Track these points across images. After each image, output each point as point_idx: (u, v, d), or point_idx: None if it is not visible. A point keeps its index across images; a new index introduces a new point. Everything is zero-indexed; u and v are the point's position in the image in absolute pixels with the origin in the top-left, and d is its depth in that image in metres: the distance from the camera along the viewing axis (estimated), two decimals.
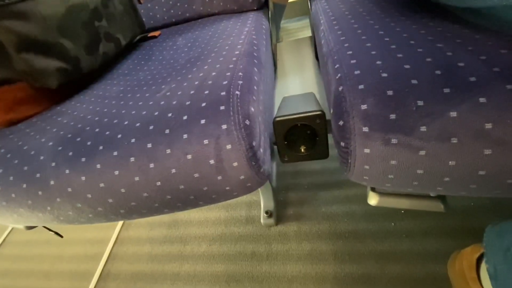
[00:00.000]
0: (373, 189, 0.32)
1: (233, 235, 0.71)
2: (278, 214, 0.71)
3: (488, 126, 0.19)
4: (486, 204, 0.59)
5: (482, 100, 0.19)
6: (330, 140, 0.30)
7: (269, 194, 0.71)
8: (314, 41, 0.51)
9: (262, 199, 0.71)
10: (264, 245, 0.67)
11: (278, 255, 0.64)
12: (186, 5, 0.64)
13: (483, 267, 0.45)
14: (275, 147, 0.34)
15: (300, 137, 0.32)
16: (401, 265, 0.56)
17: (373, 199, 0.31)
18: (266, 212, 0.69)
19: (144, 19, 0.63)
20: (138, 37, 0.63)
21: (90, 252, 0.80)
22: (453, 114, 0.20)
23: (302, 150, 0.32)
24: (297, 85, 0.46)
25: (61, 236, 0.56)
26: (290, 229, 0.68)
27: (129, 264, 0.74)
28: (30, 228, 0.45)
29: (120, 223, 0.85)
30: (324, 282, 0.58)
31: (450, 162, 0.21)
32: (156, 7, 0.66)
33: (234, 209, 0.77)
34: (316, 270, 0.60)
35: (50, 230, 0.52)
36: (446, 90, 0.20)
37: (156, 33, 0.63)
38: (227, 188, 0.28)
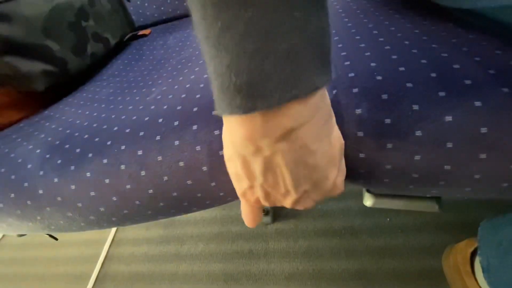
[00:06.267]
0: (368, 190, 0.31)
1: (230, 234, 0.71)
2: (275, 212, 0.71)
3: (484, 130, 0.19)
4: (480, 200, 0.60)
5: (477, 103, 0.19)
6: None
7: None
8: None
9: None
10: (261, 243, 0.67)
11: (275, 253, 0.65)
12: (177, 2, 0.62)
13: (477, 261, 0.46)
14: None
15: None
16: (396, 260, 0.56)
17: (368, 200, 0.31)
18: (263, 210, 0.69)
19: (133, 17, 0.61)
20: (127, 36, 0.61)
21: (86, 253, 0.80)
22: (449, 118, 0.19)
23: None
24: None
25: (56, 239, 0.55)
26: (287, 226, 0.68)
27: (126, 265, 0.74)
28: (22, 235, 0.44)
29: None
30: (321, 279, 0.58)
31: (445, 166, 0.20)
32: (146, 4, 0.64)
33: (231, 208, 0.76)
34: (313, 267, 0.60)
35: None
36: (442, 94, 0.20)
37: (146, 32, 0.61)
38: (221, 194, 0.27)
